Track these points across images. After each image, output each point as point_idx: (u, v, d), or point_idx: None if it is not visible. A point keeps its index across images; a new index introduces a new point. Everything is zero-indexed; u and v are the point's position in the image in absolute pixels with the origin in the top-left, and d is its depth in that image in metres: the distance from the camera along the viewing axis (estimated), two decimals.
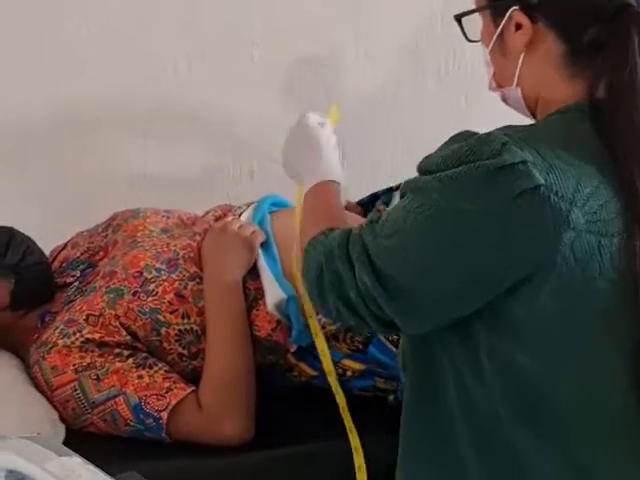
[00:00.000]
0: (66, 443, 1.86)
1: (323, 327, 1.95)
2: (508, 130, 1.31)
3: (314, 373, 2.03)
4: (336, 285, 1.39)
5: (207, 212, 2.25)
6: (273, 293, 2.00)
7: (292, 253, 1.85)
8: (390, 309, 1.33)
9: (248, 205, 2.24)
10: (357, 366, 2.01)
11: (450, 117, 2.74)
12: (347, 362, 2.01)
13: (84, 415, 1.89)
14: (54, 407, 1.91)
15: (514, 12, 1.38)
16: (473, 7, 1.48)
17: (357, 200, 2.29)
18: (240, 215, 2.19)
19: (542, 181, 1.22)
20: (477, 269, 1.28)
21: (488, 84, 1.50)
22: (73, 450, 1.81)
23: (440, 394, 1.42)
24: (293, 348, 2.01)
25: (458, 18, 1.49)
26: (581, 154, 1.28)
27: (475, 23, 1.47)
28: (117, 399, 1.86)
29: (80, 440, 1.87)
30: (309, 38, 2.71)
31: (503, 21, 1.40)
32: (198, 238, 2.10)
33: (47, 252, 2.24)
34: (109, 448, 1.86)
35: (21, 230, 2.13)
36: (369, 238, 1.35)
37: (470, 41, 1.50)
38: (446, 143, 1.34)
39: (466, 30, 1.50)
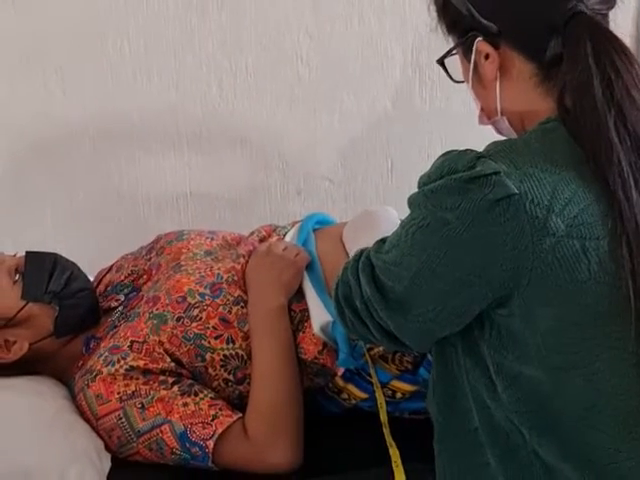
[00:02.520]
0: (113, 472, 1.85)
1: (370, 349, 1.93)
2: (491, 145, 1.36)
3: (364, 395, 2.00)
4: (347, 295, 1.51)
5: (252, 233, 2.24)
6: (319, 315, 1.97)
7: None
8: (391, 321, 1.43)
9: (293, 224, 2.22)
10: (407, 387, 1.97)
11: None
12: (397, 383, 1.97)
13: (129, 444, 1.86)
14: (99, 436, 1.89)
15: (479, 43, 1.42)
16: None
17: None
18: (284, 235, 2.17)
19: (516, 190, 1.25)
20: (460, 278, 1.33)
21: (478, 120, 1.55)
22: (120, 479, 1.83)
23: (466, 421, 1.48)
24: (340, 371, 1.98)
25: (440, 62, 1.54)
26: (560, 160, 1.30)
27: (458, 65, 1.52)
28: (162, 427, 1.83)
29: (127, 469, 1.87)
30: (356, 54, 2.70)
31: (473, 55, 1.44)
32: (242, 260, 2.07)
33: (92, 276, 2.23)
34: (156, 477, 1.85)
35: (65, 254, 2.12)
36: (374, 253, 1.46)
37: (455, 82, 1.55)
38: (436, 160, 1.39)
39: (451, 73, 1.55)
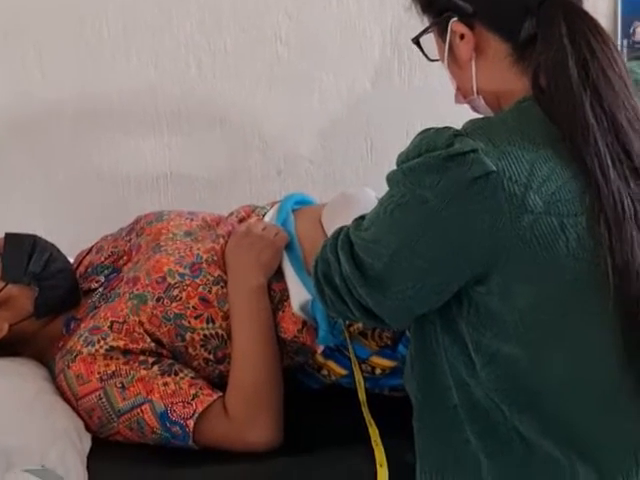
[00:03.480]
0: (93, 452, 1.85)
1: (349, 326, 1.94)
2: (468, 123, 1.36)
3: (343, 372, 2.01)
4: (326, 273, 1.52)
5: (231, 213, 2.23)
6: (298, 294, 1.98)
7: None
8: (370, 298, 1.43)
9: (272, 205, 2.22)
10: (386, 363, 1.99)
11: None
12: (376, 359, 1.99)
13: (110, 424, 1.87)
14: (80, 416, 1.89)
15: (454, 24, 1.43)
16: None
17: None
18: (264, 216, 2.17)
19: (494, 168, 1.26)
20: (439, 255, 1.34)
21: (455, 99, 1.56)
22: (101, 458, 1.83)
23: (445, 398, 1.49)
24: (320, 349, 1.99)
25: (415, 41, 1.54)
26: (537, 138, 1.31)
27: (433, 44, 1.53)
28: (143, 407, 1.84)
29: (107, 448, 1.88)
30: (334, 33, 2.69)
31: (448, 35, 1.45)
32: (222, 241, 2.07)
33: (72, 257, 2.23)
34: (136, 456, 1.86)
35: (44, 235, 2.12)
36: (353, 230, 1.46)
37: (431, 60, 1.55)
38: (414, 138, 1.39)
39: (426, 52, 1.55)
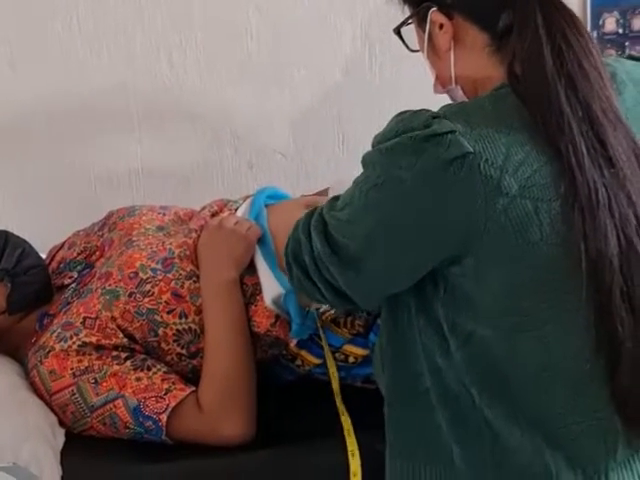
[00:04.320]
0: (67, 447, 1.85)
1: (323, 313, 1.95)
2: (445, 107, 1.37)
3: (317, 361, 2.02)
4: (296, 252, 1.53)
5: (203, 207, 2.24)
6: (271, 288, 1.99)
7: None
8: (342, 278, 1.44)
9: (244, 199, 2.22)
10: (359, 352, 2.00)
11: None
12: (349, 347, 2.00)
13: (83, 419, 1.87)
14: (53, 412, 1.89)
15: (433, 14, 1.45)
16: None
17: None
18: (236, 210, 2.17)
19: (471, 149, 1.26)
20: (415, 236, 1.34)
21: (434, 88, 1.57)
22: (75, 454, 1.84)
23: (417, 384, 1.49)
24: (293, 342, 2.00)
25: (397, 31, 1.56)
26: (514, 123, 1.31)
27: (413, 34, 1.55)
28: (116, 402, 1.85)
29: (81, 443, 1.88)
30: (305, 28, 2.70)
31: (427, 25, 1.46)
32: (194, 235, 2.08)
33: (44, 253, 2.23)
34: (110, 451, 1.86)
35: (16, 231, 2.12)
36: (327, 210, 1.47)
37: (411, 51, 1.57)
38: (391, 119, 1.39)
39: (407, 42, 1.57)
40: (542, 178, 1.28)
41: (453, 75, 1.49)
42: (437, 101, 1.51)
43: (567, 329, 1.34)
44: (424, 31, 1.48)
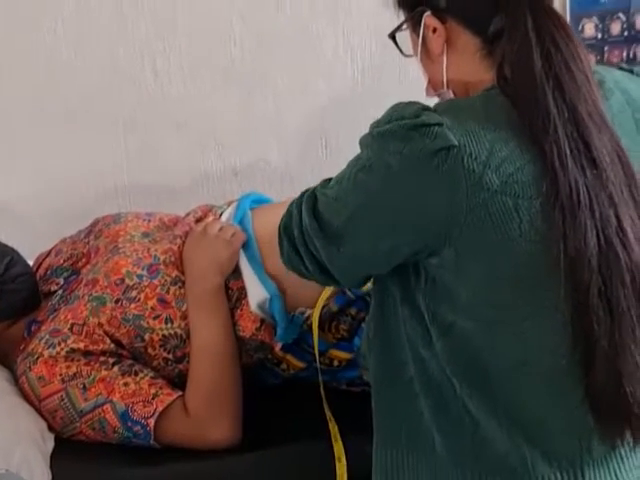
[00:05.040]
0: (56, 452, 1.87)
1: (307, 318, 1.98)
2: (437, 103, 1.41)
3: (302, 365, 2.06)
4: (287, 224, 1.55)
5: (188, 213, 2.26)
6: (256, 293, 2.02)
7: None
8: (324, 252, 1.46)
9: (229, 204, 2.24)
10: (344, 355, 2.03)
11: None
12: (334, 351, 2.03)
13: (73, 424, 1.90)
14: (43, 417, 1.91)
15: (427, 18, 1.47)
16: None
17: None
18: (221, 215, 2.19)
19: (456, 142, 1.28)
20: (395, 219, 1.36)
21: (426, 92, 1.59)
22: (65, 458, 1.86)
23: (402, 372, 1.50)
24: (278, 346, 2.02)
25: (392, 36, 1.58)
26: (500, 122, 1.33)
27: (407, 40, 1.57)
28: (104, 407, 1.87)
29: (70, 448, 1.90)
30: (288, 35, 2.73)
31: (421, 29, 1.49)
32: (179, 241, 2.10)
33: (31, 260, 2.25)
34: (99, 455, 1.88)
35: (3, 238, 2.14)
36: (319, 188, 1.50)
37: (406, 56, 1.59)
38: (388, 109, 1.41)
39: (402, 47, 1.59)
40: (524, 176, 1.30)
41: (445, 79, 1.51)
42: None
43: (545, 325, 1.36)
44: (418, 35, 1.50)
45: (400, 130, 1.33)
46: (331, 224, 1.44)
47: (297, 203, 1.54)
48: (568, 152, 1.30)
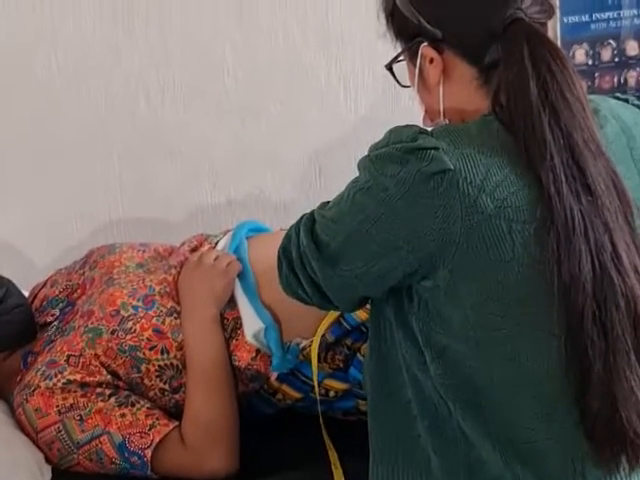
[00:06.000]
0: None
1: (303, 348, 1.98)
2: (435, 128, 1.42)
3: (298, 395, 2.05)
4: (286, 246, 1.57)
5: (183, 243, 2.26)
6: (251, 323, 2.02)
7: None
8: (321, 274, 1.48)
9: (225, 233, 2.24)
10: (339, 386, 2.03)
11: None
12: (329, 382, 2.03)
13: (70, 455, 1.90)
14: (40, 449, 1.91)
15: (424, 48, 1.48)
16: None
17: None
18: (216, 244, 2.19)
19: (451, 166, 1.31)
20: (392, 242, 1.37)
21: (422, 121, 1.59)
22: None
23: (399, 395, 1.51)
24: (274, 376, 2.02)
25: (388, 67, 1.59)
26: (496, 147, 1.35)
27: (403, 70, 1.58)
28: (101, 438, 1.87)
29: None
30: (281, 65, 2.74)
31: (418, 59, 1.50)
32: (174, 272, 2.10)
33: (26, 290, 2.25)
34: None
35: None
36: (318, 210, 1.52)
37: (402, 86, 1.61)
38: (386, 132, 1.44)
39: (398, 77, 1.61)
40: (518, 200, 1.31)
41: (442, 108, 1.52)
42: None
43: (538, 348, 1.36)
44: (415, 65, 1.51)
45: (397, 153, 1.35)
46: (328, 245, 1.46)
47: (296, 225, 1.56)
48: (564, 179, 1.31)
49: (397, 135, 1.39)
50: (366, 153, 1.43)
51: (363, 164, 1.41)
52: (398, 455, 1.53)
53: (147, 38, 2.67)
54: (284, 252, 1.58)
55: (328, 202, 1.51)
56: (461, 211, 1.30)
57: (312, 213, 1.53)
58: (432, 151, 1.32)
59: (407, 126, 1.41)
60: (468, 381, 1.41)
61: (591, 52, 2.91)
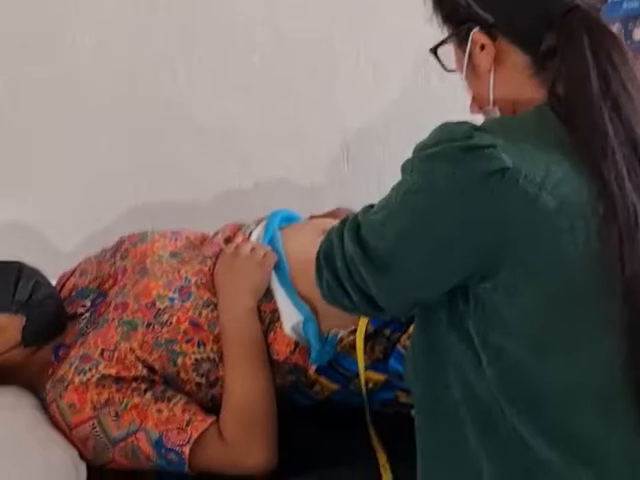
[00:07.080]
0: None
1: (341, 340, 1.94)
2: (488, 121, 1.41)
3: (335, 387, 2.02)
4: (328, 255, 1.50)
5: (216, 233, 2.22)
6: (289, 315, 1.98)
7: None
8: (371, 279, 1.42)
9: (257, 222, 2.21)
10: (378, 377, 2.00)
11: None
12: (369, 373, 1.99)
13: (105, 452, 1.87)
14: (74, 445, 1.88)
15: (475, 34, 1.44)
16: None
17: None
18: (250, 235, 2.15)
19: (510, 165, 1.27)
20: (447, 244, 1.34)
21: (470, 109, 1.56)
22: None
23: (446, 396, 1.48)
24: (312, 368, 1.99)
25: (433, 51, 1.55)
26: (554, 142, 1.32)
27: (451, 54, 1.54)
28: (137, 435, 1.84)
29: (103, 476, 1.88)
30: (308, 43, 2.69)
31: (468, 45, 1.46)
32: (209, 263, 2.07)
33: (54, 279, 2.21)
34: None
35: (24, 257, 2.10)
36: (362, 214, 1.46)
37: (448, 71, 1.57)
38: (433, 129, 1.39)
39: (443, 62, 1.56)
40: (579, 197, 1.28)
41: (492, 97, 1.48)
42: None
43: (597, 347, 1.34)
44: (464, 51, 1.47)
45: (451, 152, 1.31)
46: (377, 249, 1.40)
47: (338, 231, 1.50)
48: (625, 175, 1.29)
49: (449, 133, 1.33)
50: (412, 154, 1.38)
51: (411, 165, 1.37)
52: (446, 461, 1.51)
53: (173, 15, 2.61)
54: (326, 259, 1.51)
55: (372, 206, 1.47)
56: (521, 211, 1.27)
57: (356, 217, 1.47)
58: (489, 149, 1.28)
59: (459, 123, 1.35)
60: (526, 382, 1.39)
61: (623, 31, 2.86)
